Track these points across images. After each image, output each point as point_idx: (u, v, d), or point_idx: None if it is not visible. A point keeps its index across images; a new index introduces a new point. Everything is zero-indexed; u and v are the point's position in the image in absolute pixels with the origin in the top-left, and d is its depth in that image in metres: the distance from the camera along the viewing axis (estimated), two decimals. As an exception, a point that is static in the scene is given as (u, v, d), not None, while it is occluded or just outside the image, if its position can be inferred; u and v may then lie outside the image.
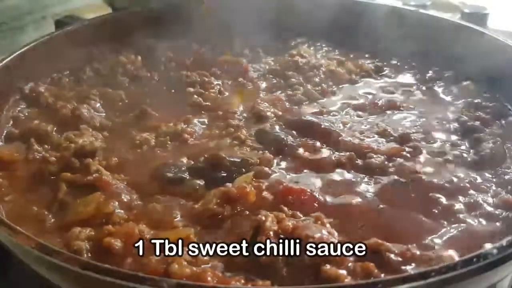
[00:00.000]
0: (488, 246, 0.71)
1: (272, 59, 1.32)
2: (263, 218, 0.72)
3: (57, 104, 1.08)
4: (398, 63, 1.29)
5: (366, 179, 0.88)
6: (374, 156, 0.92)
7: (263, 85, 1.21)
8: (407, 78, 1.25)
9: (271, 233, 0.70)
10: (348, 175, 0.89)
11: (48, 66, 1.20)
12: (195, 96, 1.12)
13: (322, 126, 1.00)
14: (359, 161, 0.91)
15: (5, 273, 0.85)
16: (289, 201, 0.80)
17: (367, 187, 0.86)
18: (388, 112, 1.09)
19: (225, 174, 0.85)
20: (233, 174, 0.85)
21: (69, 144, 0.94)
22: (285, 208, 0.79)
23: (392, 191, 0.85)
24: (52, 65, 1.21)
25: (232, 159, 0.87)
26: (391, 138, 0.98)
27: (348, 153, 0.93)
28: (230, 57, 1.33)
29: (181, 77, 1.21)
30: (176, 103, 1.13)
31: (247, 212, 0.78)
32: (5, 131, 1.02)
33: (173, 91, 1.18)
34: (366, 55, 1.33)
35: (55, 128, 1.02)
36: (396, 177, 0.88)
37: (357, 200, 0.83)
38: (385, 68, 1.28)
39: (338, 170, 0.89)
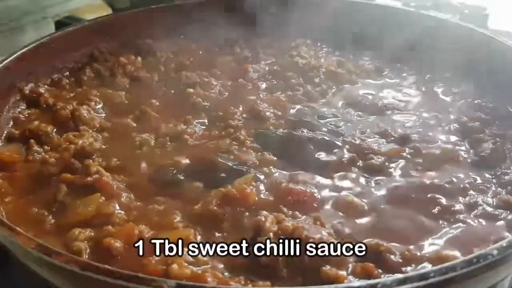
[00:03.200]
0: (488, 246, 0.71)
1: (272, 60, 1.32)
2: (263, 218, 0.72)
3: (57, 105, 1.08)
4: (398, 64, 1.29)
5: (366, 180, 0.88)
6: (375, 157, 0.92)
7: (263, 85, 1.20)
8: (407, 78, 1.25)
9: (271, 233, 0.70)
10: (349, 176, 0.88)
11: (48, 67, 1.20)
12: (195, 97, 1.12)
13: (323, 128, 1.00)
14: (360, 162, 0.91)
15: (5, 273, 0.85)
16: (289, 201, 0.80)
17: (368, 188, 0.86)
18: (388, 112, 1.09)
19: (224, 176, 0.85)
20: (233, 175, 0.85)
21: (69, 145, 0.94)
22: (285, 209, 0.79)
23: (393, 191, 0.85)
24: (52, 66, 1.21)
25: (229, 163, 0.87)
26: (392, 138, 0.98)
27: (349, 154, 0.93)
28: (230, 57, 1.33)
29: (181, 77, 1.21)
30: (176, 103, 1.13)
31: (247, 213, 0.78)
32: (5, 132, 1.02)
33: (173, 91, 1.18)
34: (366, 56, 1.33)
35: (55, 129, 1.02)
36: (396, 177, 0.88)
37: (357, 200, 0.83)
38: (385, 69, 1.28)
39: (338, 171, 0.89)
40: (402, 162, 0.92)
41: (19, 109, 1.10)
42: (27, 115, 1.08)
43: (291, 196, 0.81)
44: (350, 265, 0.69)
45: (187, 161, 0.90)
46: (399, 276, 0.58)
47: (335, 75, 1.23)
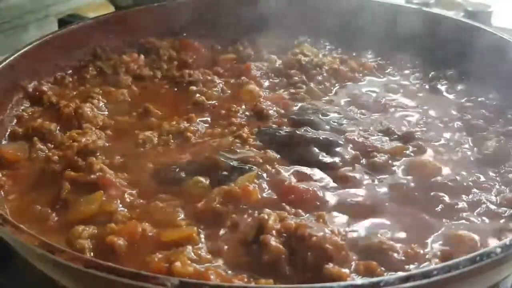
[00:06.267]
0: (491, 245, 0.71)
1: (274, 57, 1.31)
2: (266, 216, 0.72)
3: (60, 103, 1.08)
4: (401, 61, 1.29)
5: (369, 178, 0.87)
6: (378, 155, 0.91)
7: (266, 83, 1.20)
8: (410, 76, 1.24)
9: (274, 231, 0.70)
10: (352, 174, 0.88)
11: (51, 65, 1.20)
12: (198, 95, 1.12)
13: (326, 126, 1.00)
14: (363, 160, 0.91)
15: (9, 271, 0.86)
16: (291, 199, 0.80)
17: (371, 186, 0.86)
18: (392, 110, 1.09)
19: (227, 173, 0.85)
20: (236, 173, 0.85)
21: (72, 143, 0.94)
22: (288, 207, 0.79)
23: (396, 189, 0.85)
24: (55, 64, 1.21)
25: (232, 161, 0.87)
26: (395, 136, 0.98)
27: (352, 152, 0.93)
28: (232, 55, 1.33)
29: (183, 75, 1.21)
30: (179, 101, 1.13)
31: (250, 211, 0.78)
32: (9, 130, 1.03)
33: (175, 89, 1.18)
34: (369, 54, 1.33)
35: (58, 127, 1.02)
36: (399, 175, 0.88)
37: (360, 198, 0.83)
38: (388, 67, 1.28)
39: (341, 169, 0.89)
40: (405, 160, 0.91)
41: (22, 107, 1.10)
42: (30, 113, 1.08)
43: (294, 194, 0.81)
44: (353, 263, 0.69)
45: (191, 158, 0.90)
46: (402, 274, 0.58)
47: (338, 73, 1.22)
